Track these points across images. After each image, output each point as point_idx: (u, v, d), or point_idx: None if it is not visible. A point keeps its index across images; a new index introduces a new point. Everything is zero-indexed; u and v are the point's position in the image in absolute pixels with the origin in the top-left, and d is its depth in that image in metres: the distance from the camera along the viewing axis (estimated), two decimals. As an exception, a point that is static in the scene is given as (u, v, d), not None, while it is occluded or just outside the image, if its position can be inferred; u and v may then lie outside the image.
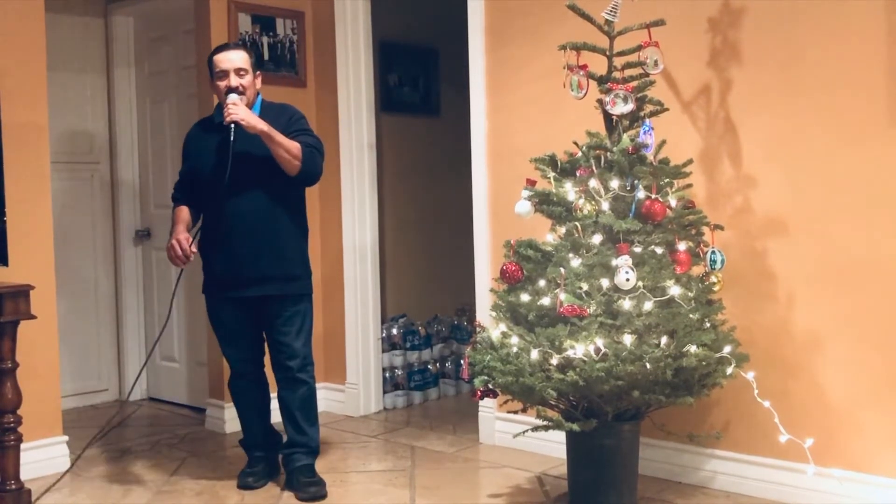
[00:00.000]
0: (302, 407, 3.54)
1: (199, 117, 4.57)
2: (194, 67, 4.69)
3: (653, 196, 2.98)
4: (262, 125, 3.30)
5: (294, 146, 3.36)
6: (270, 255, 3.45)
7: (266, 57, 4.66)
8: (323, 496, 3.47)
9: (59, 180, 4.81)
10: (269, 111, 3.49)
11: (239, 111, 3.29)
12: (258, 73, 3.53)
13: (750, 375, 3.09)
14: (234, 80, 3.39)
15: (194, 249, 3.41)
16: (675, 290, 2.90)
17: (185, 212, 3.57)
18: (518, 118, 4.03)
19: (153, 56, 5.22)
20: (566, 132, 3.44)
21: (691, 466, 3.52)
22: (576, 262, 2.95)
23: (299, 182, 3.48)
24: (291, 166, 3.37)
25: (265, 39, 4.71)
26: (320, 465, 3.68)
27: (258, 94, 3.53)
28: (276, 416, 3.72)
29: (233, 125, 3.28)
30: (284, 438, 3.65)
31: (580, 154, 3.15)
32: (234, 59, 3.42)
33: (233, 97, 3.34)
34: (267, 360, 3.67)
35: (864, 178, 3.09)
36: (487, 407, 4.20)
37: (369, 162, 4.83)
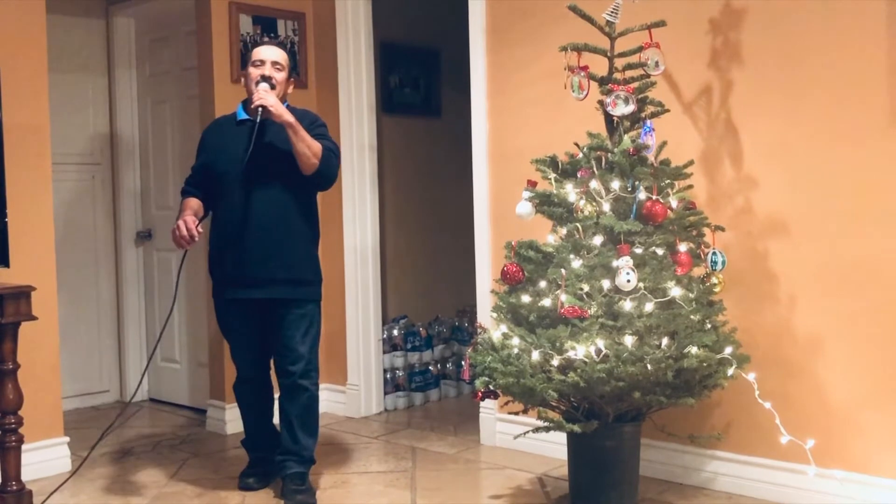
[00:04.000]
0: (301, 415, 3.49)
1: (201, 118, 4.60)
2: (195, 69, 4.69)
3: (654, 197, 2.98)
4: (288, 116, 3.29)
5: (315, 145, 3.35)
6: (280, 257, 3.42)
7: (267, 58, 4.65)
8: None
9: (61, 181, 4.81)
10: (292, 114, 3.45)
11: (269, 97, 3.30)
12: (292, 79, 3.56)
13: (751, 377, 3.09)
14: (268, 70, 3.40)
15: (200, 230, 3.36)
16: (675, 292, 2.90)
17: (193, 201, 3.53)
18: (519, 119, 4.04)
19: (154, 57, 5.23)
20: (567, 133, 3.44)
21: (692, 467, 3.52)
22: (577, 264, 2.95)
23: (314, 183, 3.45)
24: (309, 164, 3.35)
25: (266, 40, 4.71)
26: (321, 466, 3.68)
27: (285, 98, 3.52)
28: (278, 417, 3.73)
29: (260, 109, 3.28)
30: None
31: (581, 155, 3.15)
32: (274, 53, 3.46)
33: (264, 85, 3.35)
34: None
35: (865, 179, 3.09)
36: (488, 408, 4.20)
37: (370, 163, 4.83)
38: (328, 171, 3.43)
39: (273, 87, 3.38)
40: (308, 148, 3.33)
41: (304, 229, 3.50)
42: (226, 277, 3.49)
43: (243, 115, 3.50)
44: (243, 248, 3.41)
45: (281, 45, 3.61)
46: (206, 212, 3.57)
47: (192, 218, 3.38)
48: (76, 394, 5.10)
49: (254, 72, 3.42)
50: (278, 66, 3.44)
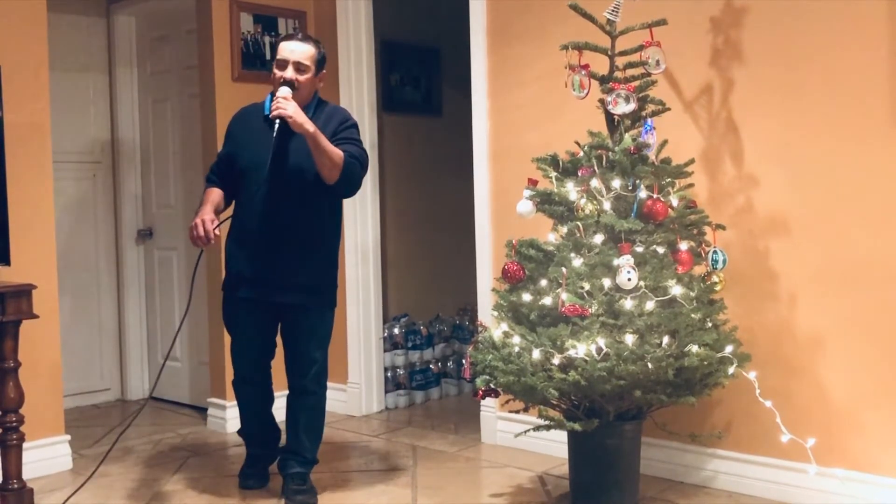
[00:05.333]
0: (307, 417, 3.48)
1: (202, 117, 4.60)
2: (196, 67, 4.69)
3: (654, 196, 2.98)
4: (309, 125, 3.12)
5: (337, 154, 3.19)
6: (298, 262, 3.33)
7: (268, 57, 4.66)
8: None
9: (62, 180, 4.80)
10: (322, 112, 3.36)
11: (288, 106, 3.11)
12: (323, 72, 3.39)
13: (752, 375, 3.09)
14: (289, 73, 3.24)
15: (217, 232, 3.26)
16: (676, 290, 2.90)
17: (215, 193, 3.41)
18: (520, 118, 4.04)
19: (155, 56, 5.23)
20: (568, 132, 3.44)
21: (693, 466, 3.52)
22: (577, 262, 2.95)
23: (336, 192, 3.35)
24: (331, 175, 3.21)
25: (267, 39, 4.71)
26: (322, 465, 3.68)
27: (316, 93, 3.39)
28: (280, 415, 3.73)
29: (278, 120, 3.14)
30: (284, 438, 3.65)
31: (582, 154, 3.15)
32: (298, 51, 3.27)
33: (284, 90, 3.18)
34: (274, 362, 3.62)
35: (866, 178, 3.09)
36: (489, 406, 4.20)
37: (371, 162, 4.83)
38: (350, 181, 3.30)
39: (296, 88, 3.23)
40: (329, 159, 3.17)
41: (325, 234, 3.40)
42: (241, 276, 3.40)
43: (268, 113, 3.33)
44: (261, 250, 3.33)
45: (308, 38, 3.40)
46: (229, 202, 3.47)
47: (210, 217, 3.25)
48: (77, 392, 5.10)
49: (276, 73, 3.27)
50: (302, 67, 3.26)
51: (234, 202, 3.49)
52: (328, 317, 3.51)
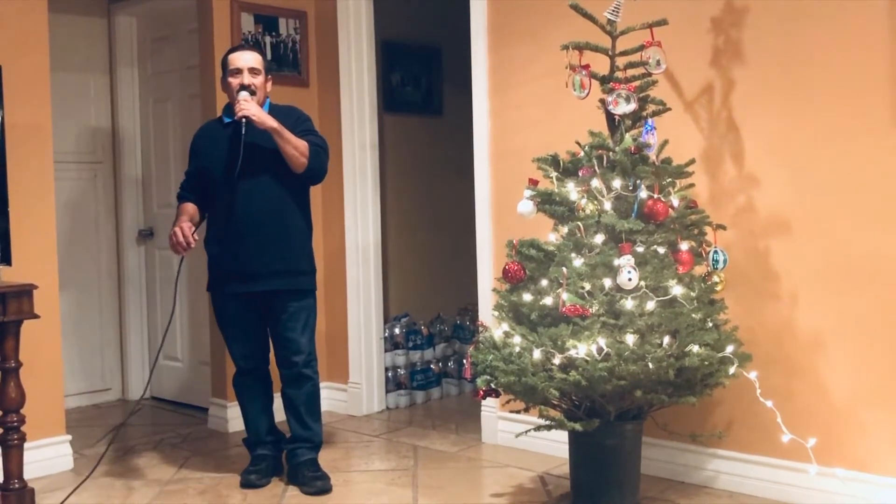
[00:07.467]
0: (307, 402, 3.61)
1: (202, 117, 4.60)
2: (197, 67, 4.69)
3: (655, 196, 2.97)
4: (272, 122, 3.39)
5: (302, 144, 3.46)
6: (278, 250, 3.52)
7: (269, 57, 4.66)
8: (328, 490, 3.52)
9: (63, 180, 4.81)
10: (276, 113, 3.54)
11: (251, 107, 3.39)
12: (269, 76, 3.63)
13: (752, 375, 3.09)
14: (246, 79, 3.49)
15: (196, 237, 3.48)
16: (677, 290, 2.90)
17: (189, 206, 3.63)
18: (520, 118, 4.04)
19: (156, 56, 5.23)
20: (568, 132, 3.44)
21: (694, 466, 3.52)
22: (578, 262, 2.95)
23: (305, 179, 3.57)
24: (298, 163, 3.46)
25: (268, 39, 4.72)
26: (323, 465, 3.68)
27: (267, 97, 3.61)
28: (279, 416, 3.74)
29: (244, 120, 3.37)
30: (287, 435, 3.69)
31: (582, 154, 3.15)
32: (248, 59, 3.53)
33: (244, 94, 3.43)
34: (271, 356, 3.69)
35: (867, 177, 3.09)
36: (490, 406, 4.20)
37: (372, 162, 4.83)
38: (318, 167, 3.54)
39: (253, 93, 3.46)
40: (295, 149, 3.43)
41: (300, 222, 3.61)
42: (226, 273, 3.57)
43: (229, 119, 3.55)
44: (242, 244, 3.50)
45: (251, 46, 3.68)
46: (203, 214, 3.66)
47: (188, 224, 3.47)
48: (78, 392, 5.11)
49: (233, 81, 3.50)
50: (255, 71, 3.52)
51: (208, 212, 3.66)
52: (310, 301, 3.64)
